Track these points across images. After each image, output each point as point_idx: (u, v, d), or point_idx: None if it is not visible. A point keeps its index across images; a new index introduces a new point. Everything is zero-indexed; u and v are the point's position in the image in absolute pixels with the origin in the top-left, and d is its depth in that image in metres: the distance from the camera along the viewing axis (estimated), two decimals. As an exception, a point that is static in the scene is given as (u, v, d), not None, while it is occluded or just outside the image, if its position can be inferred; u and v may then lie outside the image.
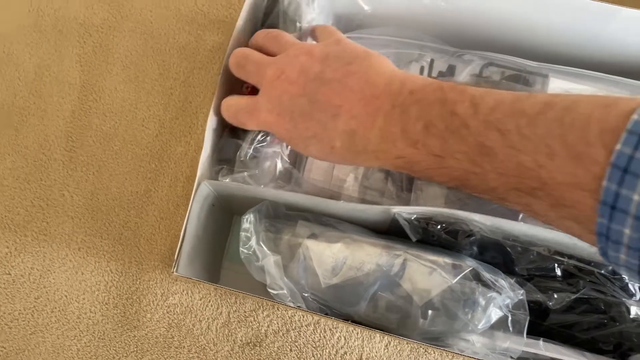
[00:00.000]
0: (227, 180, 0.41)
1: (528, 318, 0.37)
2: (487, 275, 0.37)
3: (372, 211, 0.40)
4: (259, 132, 0.41)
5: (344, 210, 0.41)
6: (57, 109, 0.55)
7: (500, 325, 0.37)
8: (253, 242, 0.40)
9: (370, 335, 0.49)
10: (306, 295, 0.40)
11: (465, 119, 0.29)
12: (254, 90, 0.39)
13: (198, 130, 0.54)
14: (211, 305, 0.50)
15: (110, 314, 0.50)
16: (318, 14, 0.44)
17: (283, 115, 0.36)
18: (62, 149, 0.54)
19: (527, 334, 0.37)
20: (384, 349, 0.49)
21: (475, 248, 0.40)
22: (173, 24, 0.57)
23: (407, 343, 0.48)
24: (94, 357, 0.50)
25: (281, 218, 0.43)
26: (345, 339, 0.49)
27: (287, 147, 0.43)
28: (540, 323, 0.40)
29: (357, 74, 0.34)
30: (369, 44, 0.47)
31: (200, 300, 0.50)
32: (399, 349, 0.49)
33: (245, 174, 0.41)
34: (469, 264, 0.38)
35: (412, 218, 0.39)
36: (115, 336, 0.50)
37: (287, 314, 0.50)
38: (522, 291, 0.37)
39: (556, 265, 0.39)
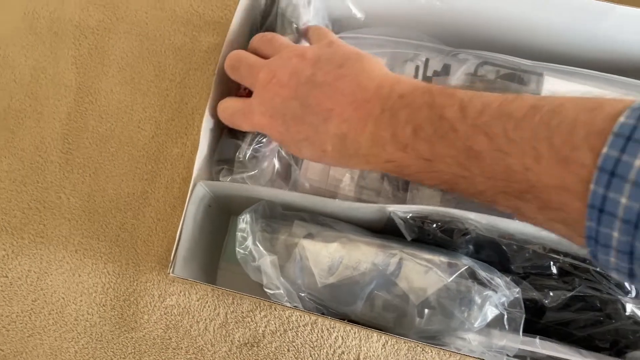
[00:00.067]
0: (228, 180, 0.41)
1: (524, 316, 0.37)
2: (482, 273, 0.37)
3: (368, 210, 0.40)
4: (258, 132, 0.41)
5: (339, 209, 0.41)
6: (53, 111, 0.55)
7: (496, 323, 0.37)
8: (249, 242, 0.40)
9: (367, 335, 0.49)
10: (303, 295, 0.40)
11: (454, 123, 0.30)
12: (251, 92, 0.39)
13: (194, 131, 0.54)
14: (208, 306, 0.50)
15: (107, 316, 0.50)
16: (314, 15, 0.45)
17: (275, 118, 0.36)
18: (58, 151, 0.54)
19: (524, 331, 0.37)
20: (382, 348, 0.49)
21: (470, 246, 0.40)
22: (168, 26, 0.57)
23: (404, 342, 0.49)
24: (91, 359, 0.50)
25: (277, 218, 0.43)
26: (342, 338, 0.49)
27: (283, 147, 0.43)
28: (536, 321, 0.40)
29: (348, 77, 0.34)
30: (364, 43, 0.48)
31: (198, 301, 0.50)
32: (396, 348, 0.49)
33: (245, 175, 0.41)
34: (465, 262, 0.38)
35: (408, 217, 0.39)
36: (112, 338, 0.50)
37: (285, 314, 0.50)
38: (518, 289, 0.37)
39: (552, 263, 0.39)
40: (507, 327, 0.37)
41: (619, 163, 0.23)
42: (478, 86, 0.44)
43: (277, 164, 0.44)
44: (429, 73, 0.46)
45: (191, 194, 0.40)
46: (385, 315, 0.39)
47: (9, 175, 0.54)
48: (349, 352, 0.49)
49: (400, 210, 0.39)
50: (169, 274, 0.39)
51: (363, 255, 0.39)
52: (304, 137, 0.35)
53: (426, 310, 0.37)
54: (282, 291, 0.39)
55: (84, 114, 0.55)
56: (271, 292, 0.39)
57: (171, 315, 0.50)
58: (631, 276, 0.24)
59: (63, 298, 0.51)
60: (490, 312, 0.37)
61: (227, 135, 0.43)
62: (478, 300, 0.37)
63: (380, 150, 0.33)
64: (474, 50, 0.46)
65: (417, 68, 0.46)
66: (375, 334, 0.49)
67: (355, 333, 0.49)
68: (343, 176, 0.45)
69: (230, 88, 0.42)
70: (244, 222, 0.40)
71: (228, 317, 0.50)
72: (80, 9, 0.57)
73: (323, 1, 0.47)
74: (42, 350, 0.50)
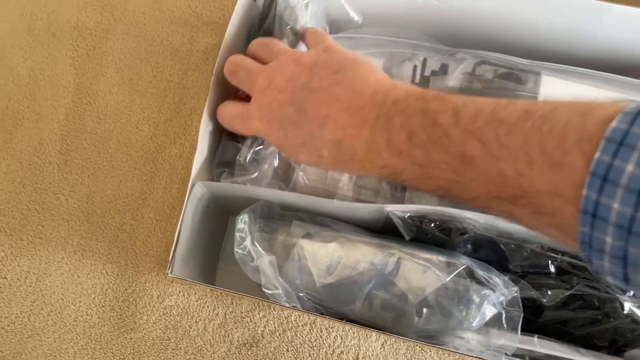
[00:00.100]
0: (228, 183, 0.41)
1: (522, 315, 0.37)
2: (481, 272, 0.37)
3: (366, 210, 0.40)
4: None
5: (338, 209, 0.41)
6: (51, 112, 0.55)
7: (494, 322, 0.37)
8: (248, 242, 0.40)
9: (366, 335, 0.49)
10: (301, 295, 0.40)
11: (447, 129, 0.30)
12: (249, 95, 0.39)
13: (192, 131, 0.54)
14: (207, 307, 0.50)
15: (106, 317, 0.50)
16: (312, 17, 0.45)
17: (273, 123, 0.36)
18: (56, 152, 0.54)
19: (522, 330, 0.37)
20: (380, 348, 0.49)
21: (469, 246, 0.40)
22: (166, 26, 0.57)
23: (403, 341, 0.49)
24: (90, 360, 0.50)
25: (276, 218, 0.43)
26: (341, 338, 0.49)
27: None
28: (534, 320, 0.40)
29: (343, 84, 0.34)
30: (362, 43, 0.48)
31: (197, 301, 0.50)
32: (395, 347, 0.49)
33: (246, 178, 0.41)
34: (463, 261, 0.38)
35: (406, 216, 0.39)
36: (111, 338, 0.50)
37: (284, 314, 0.50)
38: (516, 288, 0.37)
39: (550, 262, 0.39)
40: (505, 326, 0.37)
41: (611, 168, 0.23)
42: (476, 86, 0.44)
43: (277, 165, 0.44)
44: (427, 73, 0.46)
45: (189, 195, 0.40)
46: (383, 314, 0.39)
47: (8, 177, 0.54)
48: (348, 352, 0.49)
49: (398, 210, 0.39)
50: (167, 274, 0.39)
51: (361, 255, 0.39)
52: (301, 142, 0.35)
53: (425, 310, 0.37)
54: (280, 291, 0.39)
55: (82, 115, 0.55)
56: (270, 292, 0.39)
57: (170, 315, 0.50)
58: (626, 281, 0.24)
59: (62, 299, 0.51)
60: (489, 311, 0.37)
61: (227, 138, 0.43)
62: (476, 299, 0.37)
63: (376, 156, 0.33)
64: (472, 50, 0.46)
65: (414, 68, 0.46)
66: (374, 334, 0.49)
67: (354, 333, 0.49)
68: (341, 176, 0.45)
69: (229, 89, 0.42)
70: (243, 222, 0.40)
71: (227, 317, 0.50)
72: (78, 10, 0.57)
73: (320, 3, 0.47)
74: (41, 351, 0.50)
